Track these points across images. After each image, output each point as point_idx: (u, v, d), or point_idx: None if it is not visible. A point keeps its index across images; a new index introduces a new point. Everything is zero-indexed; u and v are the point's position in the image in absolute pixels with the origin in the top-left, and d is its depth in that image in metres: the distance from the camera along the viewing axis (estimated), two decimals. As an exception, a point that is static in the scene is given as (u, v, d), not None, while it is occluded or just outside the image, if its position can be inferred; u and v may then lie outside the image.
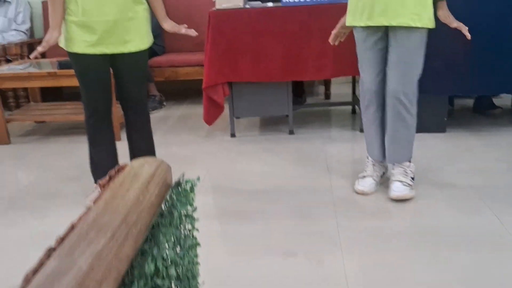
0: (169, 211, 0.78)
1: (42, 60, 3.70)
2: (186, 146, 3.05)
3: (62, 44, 1.98)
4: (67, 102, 3.69)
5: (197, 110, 3.89)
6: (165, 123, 3.59)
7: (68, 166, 2.78)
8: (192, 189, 0.83)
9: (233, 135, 3.18)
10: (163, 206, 0.78)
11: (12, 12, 4.09)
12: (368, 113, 2.22)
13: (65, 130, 3.51)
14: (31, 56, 1.99)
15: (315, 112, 3.70)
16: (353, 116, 3.55)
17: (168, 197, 0.79)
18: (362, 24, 2.06)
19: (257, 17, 2.96)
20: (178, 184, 0.83)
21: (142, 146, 2.17)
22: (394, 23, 1.98)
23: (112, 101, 2.12)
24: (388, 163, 2.26)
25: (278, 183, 2.40)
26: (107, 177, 0.72)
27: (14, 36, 4.06)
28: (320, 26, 2.92)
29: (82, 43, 1.93)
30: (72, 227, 0.56)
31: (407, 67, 2.03)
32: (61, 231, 0.58)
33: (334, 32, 2.25)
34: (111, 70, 2.07)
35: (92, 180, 2.23)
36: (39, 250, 1.36)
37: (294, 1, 2.98)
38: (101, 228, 0.55)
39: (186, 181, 0.83)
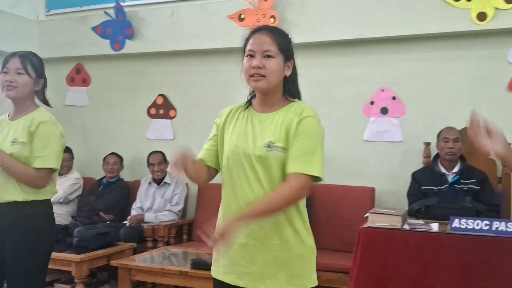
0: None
1: (190, 250, 3.57)
2: None
3: None
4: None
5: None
6: None
7: None
8: None
9: None
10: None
11: (169, 193, 4.25)
12: None
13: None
14: None
15: None
16: None
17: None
18: None
19: (418, 243, 2.46)
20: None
21: None
22: None
23: None
24: None
25: None
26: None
27: (166, 216, 4.14)
28: (504, 266, 2.28)
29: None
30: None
31: None
32: None
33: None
34: None
35: None
36: None
37: (467, 228, 2.43)
38: None
39: None
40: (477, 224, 2.40)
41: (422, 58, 3.78)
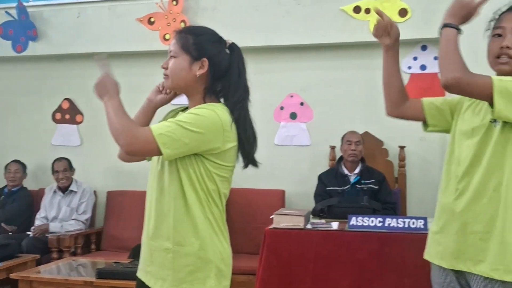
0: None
1: (98, 260, 3.46)
2: None
3: None
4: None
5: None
6: None
7: None
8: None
9: None
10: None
11: (76, 201, 4.10)
12: None
13: None
14: None
15: None
16: None
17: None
18: (436, 262, 1.64)
19: (319, 241, 2.58)
20: None
21: None
22: (473, 270, 1.52)
23: None
24: None
25: None
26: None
27: (73, 226, 3.98)
28: (393, 259, 2.46)
29: None
30: None
31: None
32: None
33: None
34: None
35: None
36: None
37: (363, 225, 2.59)
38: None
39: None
40: (372, 221, 2.56)
41: (326, 66, 3.98)
